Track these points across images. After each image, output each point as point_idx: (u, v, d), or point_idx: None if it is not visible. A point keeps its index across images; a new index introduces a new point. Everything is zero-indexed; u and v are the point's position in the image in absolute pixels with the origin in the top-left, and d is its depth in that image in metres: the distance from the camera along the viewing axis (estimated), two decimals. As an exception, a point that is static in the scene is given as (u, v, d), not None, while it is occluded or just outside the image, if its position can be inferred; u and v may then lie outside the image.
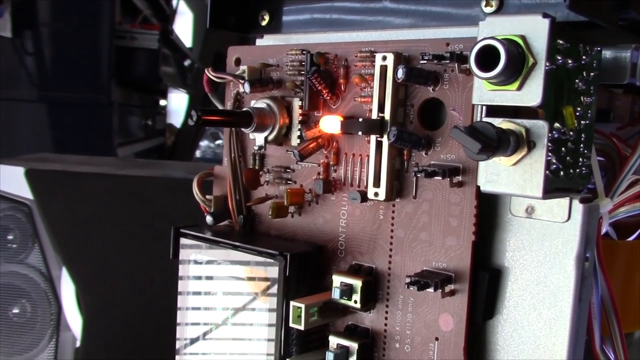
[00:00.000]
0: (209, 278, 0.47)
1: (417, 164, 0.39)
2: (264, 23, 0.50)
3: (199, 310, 0.48)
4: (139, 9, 2.22)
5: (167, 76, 2.26)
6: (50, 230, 0.88)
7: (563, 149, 0.33)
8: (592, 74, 0.35)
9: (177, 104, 3.08)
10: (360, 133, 0.40)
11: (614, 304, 0.39)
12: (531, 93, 0.31)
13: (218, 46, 2.89)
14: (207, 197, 0.49)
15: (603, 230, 0.38)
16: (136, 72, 1.96)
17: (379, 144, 0.39)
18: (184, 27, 3.08)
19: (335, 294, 0.40)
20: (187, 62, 2.74)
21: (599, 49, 0.35)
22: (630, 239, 0.44)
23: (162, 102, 2.75)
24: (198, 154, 3.13)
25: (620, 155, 0.40)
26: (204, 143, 3.19)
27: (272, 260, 0.42)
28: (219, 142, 3.13)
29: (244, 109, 0.45)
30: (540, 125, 0.31)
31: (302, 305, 0.40)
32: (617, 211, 0.39)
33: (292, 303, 0.40)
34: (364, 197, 0.40)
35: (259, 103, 0.45)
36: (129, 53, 1.91)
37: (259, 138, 0.46)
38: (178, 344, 0.49)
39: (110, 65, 1.77)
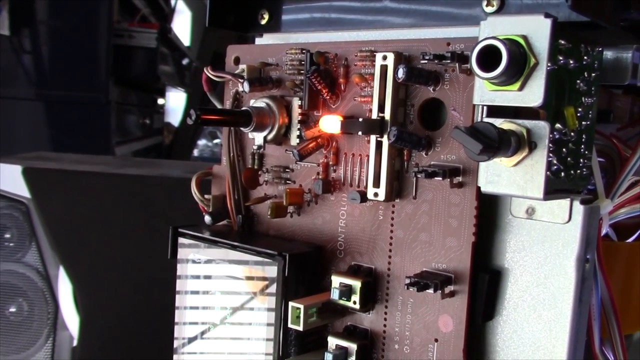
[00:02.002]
0: (207, 277, 0.47)
1: (417, 164, 0.39)
2: (263, 22, 0.50)
3: (197, 310, 0.48)
4: (137, 8, 2.22)
5: (165, 75, 2.25)
6: (47, 229, 0.87)
7: (564, 149, 0.33)
8: (593, 74, 0.35)
9: (175, 103, 3.07)
10: (360, 133, 0.40)
11: (614, 306, 0.38)
12: (533, 93, 0.31)
13: (217, 45, 2.89)
14: (206, 196, 0.49)
15: (603, 232, 0.38)
16: (134, 70, 1.96)
17: (378, 144, 0.39)
18: (182, 26, 3.07)
19: (334, 295, 0.40)
20: (185, 61, 2.74)
21: (600, 49, 0.35)
22: (630, 240, 0.44)
23: (160, 101, 2.74)
24: (196, 152, 3.13)
25: (621, 156, 0.40)
26: (201, 142, 3.19)
27: (270, 260, 0.42)
28: (217, 141, 3.13)
29: (243, 108, 0.45)
30: (541, 126, 0.31)
31: (301, 306, 0.40)
32: (617, 212, 0.39)
33: (291, 304, 0.40)
34: (363, 198, 0.40)
35: (258, 102, 0.45)
36: (127, 52, 1.91)
37: (258, 137, 0.46)
38: (176, 343, 0.49)
39: (108, 64, 1.76)
